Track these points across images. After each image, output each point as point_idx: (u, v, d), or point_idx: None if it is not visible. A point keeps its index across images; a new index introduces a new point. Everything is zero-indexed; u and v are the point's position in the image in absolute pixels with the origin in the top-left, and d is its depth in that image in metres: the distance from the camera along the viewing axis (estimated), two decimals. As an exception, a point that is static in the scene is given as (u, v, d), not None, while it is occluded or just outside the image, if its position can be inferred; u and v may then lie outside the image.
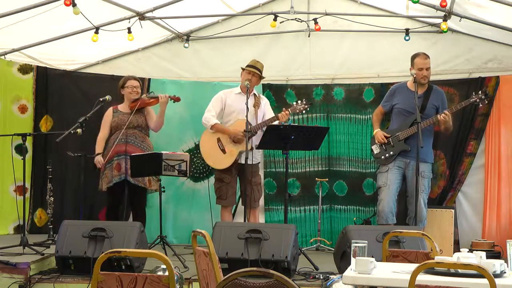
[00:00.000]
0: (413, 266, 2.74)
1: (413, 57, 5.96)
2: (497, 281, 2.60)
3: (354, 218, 6.87)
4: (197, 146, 6.74)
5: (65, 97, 7.09)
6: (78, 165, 5.88)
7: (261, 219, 6.93)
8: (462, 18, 6.31)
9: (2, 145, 6.54)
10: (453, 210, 6.36)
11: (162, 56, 7.53)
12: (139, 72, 7.01)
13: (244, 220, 5.76)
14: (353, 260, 3.09)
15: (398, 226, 5.53)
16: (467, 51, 6.94)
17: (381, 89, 6.86)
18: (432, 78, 6.20)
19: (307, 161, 7.02)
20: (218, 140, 6.11)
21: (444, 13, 6.30)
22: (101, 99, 5.76)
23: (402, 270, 3.04)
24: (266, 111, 6.23)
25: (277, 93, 7.09)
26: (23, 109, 7.00)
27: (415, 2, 5.83)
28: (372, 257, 3.04)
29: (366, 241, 3.18)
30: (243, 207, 5.94)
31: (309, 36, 7.10)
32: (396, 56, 6.92)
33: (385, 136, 6.00)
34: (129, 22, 6.44)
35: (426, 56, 5.91)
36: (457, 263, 2.79)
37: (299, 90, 7.09)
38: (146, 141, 6.08)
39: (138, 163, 5.67)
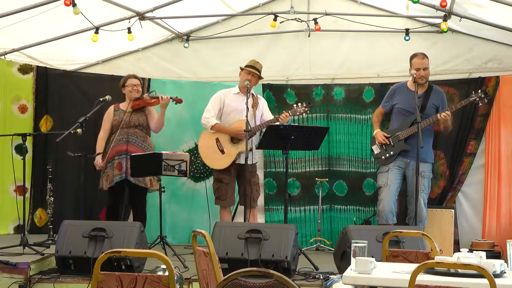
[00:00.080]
0: (413, 266, 2.74)
1: (411, 57, 5.96)
2: (497, 281, 2.60)
3: (354, 218, 6.87)
4: (197, 146, 6.73)
5: (65, 97, 7.09)
6: (78, 165, 5.88)
7: (261, 219, 6.94)
8: (462, 18, 6.31)
9: (2, 145, 6.54)
10: (453, 210, 6.37)
11: (162, 56, 7.53)
12: (139, 72, 7.00)
13: (244, 220, 5.76)
14: (353, 260, 3.09)
15: (398, 226, 5.54)
16: (467, 51, 6.94)
17: (381, 89, 6.86)
18: (432, 78, 6.21)
19: (307, 161, 7.02)
20: (217, 140, 6.11)
21: (444, 13, 6.31)
22: (101, 99, 5.76)
23: (402, 270, 3.04)
24: (264, 111, 6.24)
25: (277, 93, 7.10)
26: (23, 109, 7.00)
27: (415, 2, 5.84)
28: (372, 257, 3.04)
29: (366, 241, 3.18)
30: (242, 207, 5.94)
31: (309, 36, 7.10)
32: (396, 56, 6.92)
33: (385, 136, 6.01)
34: (129, 22, 6.45)
35: (424, 56, 5.91)
36: (457, 263, 2.79)
37: (299, 90, 7.09)
38: (147, 140, 6.09)
39: (138, 163, 5.67)
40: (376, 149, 6.09)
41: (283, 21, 6.83)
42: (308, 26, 6.92)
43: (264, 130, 5.88)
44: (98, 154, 5.97)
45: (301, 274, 4.93)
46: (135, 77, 6.16)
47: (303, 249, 5.66)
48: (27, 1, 5.60)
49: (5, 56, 6.84)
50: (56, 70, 7.23)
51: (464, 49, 6.95)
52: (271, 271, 2.32)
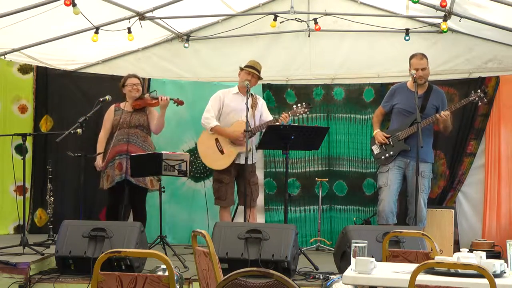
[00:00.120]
0: (413, 266, 2.74)
1: (410, 57, 5.97)
2: (497, 281, 2.60)
3: (354, 218, 6.87)
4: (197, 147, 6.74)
5: (65, 97, 7.09)
6: (78, 165, 5.87)
7: (261, 219, 6.94)
8: (462, 18, 6.31)
9: (2, 145, 6.54)
10: (453, 210, 6.37)
11: (162, 56, 7.53)
12: (139, 72, 6.99)
13: (244, 220, 5.75)
14: (353, 260, 3.09)
15: (398, 226, 5.54)
16: (467, 51, 6.94)
17: (381, 89, 6.86)
18: (432, 78, 6.21)
19: (307, 161, 7.02)
20: (217, 140, 6.11)
21: (444, 13, 6.30)
22: (101, 99, 5.75)
23: (402, 270, 3.05)
24: (263, 111, 6.25)
25: (277, 93, 7.10)
26: (23, 109, 7.00)
27: (415, 2, 5.84)
28: (372, 257, 3.04)
29: (366, 241, 3.18)
30: (242, 207, 5.94)
31: (309, 36, 7.10)
32: (396, 56, 6.92)
33: (385, 136, 6.01)
34: (129, 22, 6.44)
35: (422, 57, 5.91)
36: (457, 263, 2.79)
37: (299, 90, 7.09)
38: (148, 140, 6.08)
39: (138, 163, 5.67)
40: (375, 149, 6.09)
41: (283, 21, 6.83)
42: (308, 26, 6.92)
43: (264, 130, 5.88)
44: (99, 154, 5.97)
45: (301, 274, 4.93)
46: (134, 76, 6.16)
47: (303, 249, 5.66)
48: (27, 1, 5.60)
49: (5, 56, 6.84)
50: (56, 70, 7.23)
51: (464, 49, 6.95)
52: (271, 271, 2.32)
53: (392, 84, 6.47)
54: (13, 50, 6.79)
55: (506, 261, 3.09)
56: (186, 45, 7.34)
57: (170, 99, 6.04)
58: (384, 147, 6.02)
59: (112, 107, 6.11)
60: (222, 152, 6.08)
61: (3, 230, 6.78)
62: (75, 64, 7.44)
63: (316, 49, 7.24)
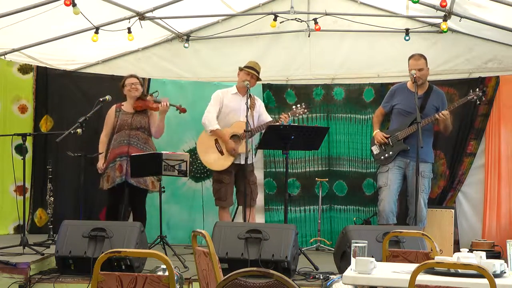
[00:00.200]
0: (413, 266, 2.74)
1: (409, 58, 5.97)
2: (497, 281, 2.60)
3: (354, 218, 6.87)
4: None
5: (65, 97, 7.09)
6: (78, 165, 5.87)
7: (261, 219, 6.94)
8: (462, 18, 6.31)
9: (2, 145, 6.54)
10: (453, 210, 6.37)
11: (162, 56, 7.53)
12: (139, 72, 6.99)
13: (244, 220, 5.75)
14: (353, 260, 3.09)
15: (398, 226, 5.54)
16: (467, 51, 6.94)
17: (381, 89, 6.86)
18: (432, 78, 6.21)
19: (307, 161, 7.02)
20: (216, 141, 6.10)
21: (444, 13, 6.31)
22: (101, 99, 5.75)
23: (402, 270, 3.04)
24: (262, 112, 6.25)
25: (277, 93, 7.10)
26: (23, 109, 7.00)
27: (415, 2, 5.84)
28: (372, 257, 3.04)
29: (366, 241, 3.18)
30: (241, 207, 5.94)
31: (309, 36, 7.10)
32: (396, 56, 6.92)
33: (384, 137, 6.01)
34: (129, 22, 6.44)
35: (420, 57, 5.91)
36: (457, 263, 2.79)
37: (299, 90, 7.09)
38: (149, 142, 6.07)
39: (138, 163, 5.66)
40: (375, 150, 6.09)
41: (283, 21, 6.83)
42: (308, 26, 6.92)
43: (264, 130, 5.88)
44: (100, 154, 5.97)
45: (301, 274, 4.93)
46: (133, 76, 6.15)
47: (303, 249, 5.66)
48: (27, 1, 5.60)
49: (5, 56, 6.84)
50: (56, 70, 7.23)
51: (464, 49, 6.95)
52: (271, 271, 2.32)
53: (392, 84, 6.47)
54: (13, 50, 6.79)
55: (506, 261, 3.09)
56: (186, 45, 7.34)
57: (173, 105, 6.03)
58: (383, 147, 6.02)
59: (113, 108, 6.11)
60: (221, 152, 6.08)
61: (3, 230, 6.78)
62: (75, 64, 7.45)
63: (316, 49, 7.24)
